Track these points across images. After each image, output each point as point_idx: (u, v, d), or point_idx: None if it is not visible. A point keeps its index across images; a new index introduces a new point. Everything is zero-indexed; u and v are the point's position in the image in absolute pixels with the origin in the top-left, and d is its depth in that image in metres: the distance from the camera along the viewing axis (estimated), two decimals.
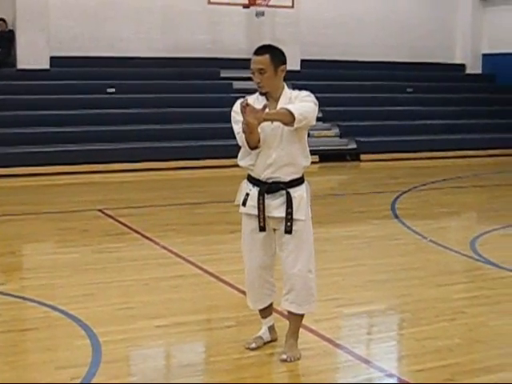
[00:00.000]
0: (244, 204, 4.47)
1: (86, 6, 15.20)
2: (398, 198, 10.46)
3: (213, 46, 16.21)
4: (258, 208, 4.38)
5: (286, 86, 4.43)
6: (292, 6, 15.89)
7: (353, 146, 15.00)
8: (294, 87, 4.47)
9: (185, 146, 13.50)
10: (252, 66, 4.32)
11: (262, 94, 4.37)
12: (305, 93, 4.38)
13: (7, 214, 9.04)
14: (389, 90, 17.22)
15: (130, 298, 5.68)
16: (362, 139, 15.00)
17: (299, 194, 4.39)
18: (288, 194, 4.35)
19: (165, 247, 7.33)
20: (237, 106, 4.27)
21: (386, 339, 4.97)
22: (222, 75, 15.81)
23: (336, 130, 15.30)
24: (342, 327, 5.22)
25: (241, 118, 4.15)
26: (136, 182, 12.04)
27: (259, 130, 4.23)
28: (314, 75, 15.99)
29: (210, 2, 15.16)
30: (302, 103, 4.27)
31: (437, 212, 9.69)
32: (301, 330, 4.59)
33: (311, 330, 4.92)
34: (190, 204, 9.93)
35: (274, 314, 4.76)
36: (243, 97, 4.21)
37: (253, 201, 4.41)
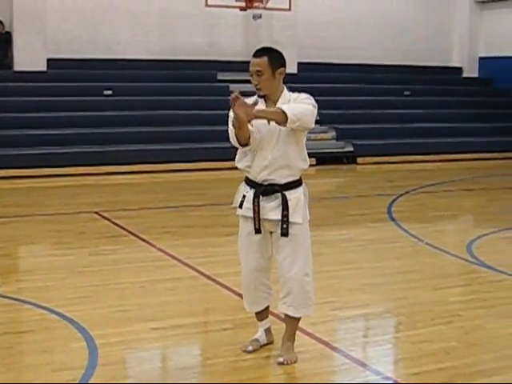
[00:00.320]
0: (241, 206, 4.48)
1: (83, 9, 15.19)
2: (394, 200, 10.46)
3: (210, 48, 16.22)
4: (254, 210, 4.38)
5: (285, 89, 4.42)
6: (289, 9, 15.91)
7: (349, 148, 15.01)
8: (291, 90, 4.46)
9: (181, 149, 13.49)
10: (250, 68, 4.33)
11: (260, 96, 4.37)
12: (304, 95, 4.37)
13: (3, 216, 9.02)
14: (386, 93, 17.24)
15: (127, 301, 5.68)
16: (358, 142, 15.00)
17: (296, 196, 4.38)
18: (284, 196, 4.35)
19: (161, 249, 7.33)
20: None
21: (382, 342, 4.97)
22: (219, 78, 15.81)
23: (333, 133, 15.30)
24: (338, 330, 5.22)
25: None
26: (132, 184, 12.03)
27: (254, 129, 4.23)
28: (311, 78, 15.99)
29: (207, 5, 15.17)
30: (298, 104, 4.27)
31: (433, 215, 9.69)
32: (297, 332, 4.59)
33: (307, 333, 4.92)
34: (187, 206, 9.92)
35: (271, 317, 4.76)
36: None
37: (249, 203, 4.41)
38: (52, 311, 5.35)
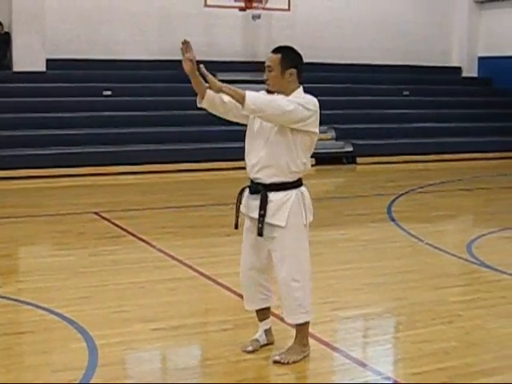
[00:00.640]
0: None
1: (82, 9, 15.19)
2: (394, 200, 10.46)
3: (209, 48, 16.18)
4: (236, 206, 4.46)
5: (300, 89, 4.38)
6: (288, 9, 15.91)
7: (349, 148, 15.00)
8: None
9: (182, 149, 13.46)
10: (265, 63, 4.39)
11: (268, 91, 4.39)
12: (302, 96, 4.35)
13: (3, 216, 9.01)
14: (385, 93, 17.24)
15: (126, 301, 5.67)
16: (358, 142, 14.99)
17: (280, 198, 4.31)
18: (264, 196, 4.32)
19: (161, 250, 7.32)
20: None
21: (382, 342, 4.97)
22: (218, 78, 15.72)
23: (332, 133, 15.28)
24: (338, 330, 5.22)
25: None
26: (132, 184, 12.02)
27: (228, 102, 4.42)
28: (310, 78, 15.93)
29: (206, 5, 15.17)
30: (271, 97, 4.26)
31: (433, 215, 9.68)
32: None
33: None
34: (187, 207, 9.92)
35: (271, 318, 4.75)
36: None
37: (244, 200, 4.49)
38: (52, 312, 5.34)
